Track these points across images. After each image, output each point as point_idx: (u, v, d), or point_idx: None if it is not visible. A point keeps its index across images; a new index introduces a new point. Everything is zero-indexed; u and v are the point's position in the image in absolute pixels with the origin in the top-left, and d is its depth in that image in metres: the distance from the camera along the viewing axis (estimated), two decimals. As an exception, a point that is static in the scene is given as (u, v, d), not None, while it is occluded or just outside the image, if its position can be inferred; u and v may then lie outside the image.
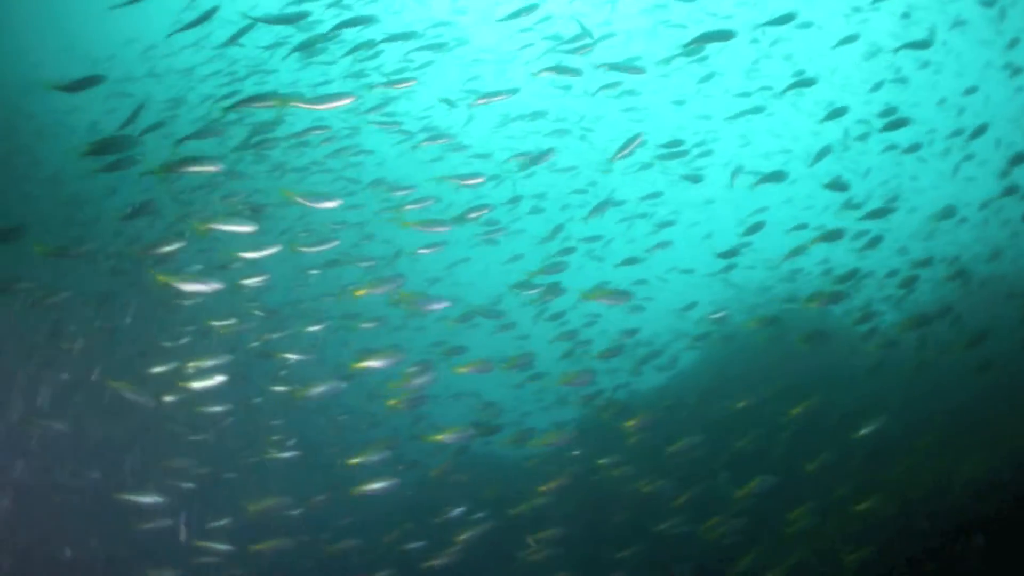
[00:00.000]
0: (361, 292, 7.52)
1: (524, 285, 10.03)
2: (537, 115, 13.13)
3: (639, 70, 9.16)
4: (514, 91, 8.27)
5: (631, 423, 8.37)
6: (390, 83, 7.81)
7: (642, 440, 8.95)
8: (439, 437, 7.95)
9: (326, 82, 13.17)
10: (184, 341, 11.18)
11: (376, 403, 15.57)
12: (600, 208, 9.72)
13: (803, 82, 9.46)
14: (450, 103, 15.01)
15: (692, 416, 9.65)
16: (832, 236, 8.34)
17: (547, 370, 13.73)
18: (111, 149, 6.96)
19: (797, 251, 8.98)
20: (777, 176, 9.20)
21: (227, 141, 13.67)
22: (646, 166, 14.02)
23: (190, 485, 10.01)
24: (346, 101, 6.56)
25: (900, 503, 8.68)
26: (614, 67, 8.88)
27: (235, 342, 10.38)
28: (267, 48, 14.44)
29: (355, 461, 7.59)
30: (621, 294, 8.05)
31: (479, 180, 7.86)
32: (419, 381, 7.74)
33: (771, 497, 8.38)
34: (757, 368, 10.49)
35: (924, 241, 13.70)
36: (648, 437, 9.07)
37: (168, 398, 9.30)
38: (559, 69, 8.32)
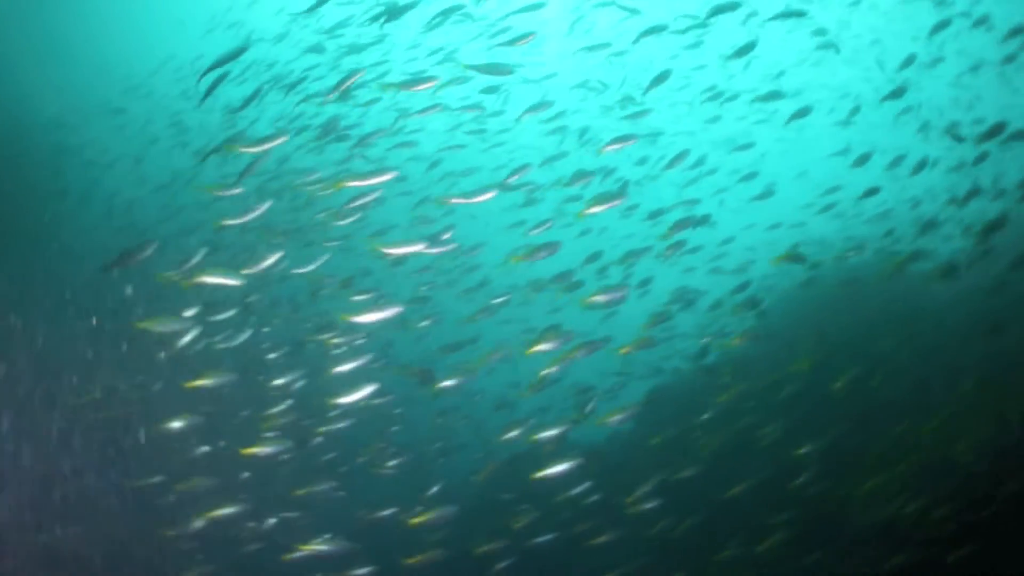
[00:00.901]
0: (517, 259, 7.35)
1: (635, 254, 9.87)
2: (596, 88, 12.89)
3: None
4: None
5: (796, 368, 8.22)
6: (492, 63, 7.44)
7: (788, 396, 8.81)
8: (610, 418, 7.82)
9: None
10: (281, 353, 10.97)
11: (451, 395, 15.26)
12: (677, 160, 9.65)
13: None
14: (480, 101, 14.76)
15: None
16: (992, 133, 8.09)
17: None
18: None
19: (921, 165, 8.88)
20: (898, 92, 9.12)
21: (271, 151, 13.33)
22: (714, 119, 13.86)
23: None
24: (508, 74, 6.26)
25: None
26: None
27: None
28: (310, 51, 14.16)
29: (535, 438, 7.44)
30: (800, 256, 7.97)
31: (633, 141, 7.44)
32: (582, 355, 7.53)
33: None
34: (876, 311, 10.33)
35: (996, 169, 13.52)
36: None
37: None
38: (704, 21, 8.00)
